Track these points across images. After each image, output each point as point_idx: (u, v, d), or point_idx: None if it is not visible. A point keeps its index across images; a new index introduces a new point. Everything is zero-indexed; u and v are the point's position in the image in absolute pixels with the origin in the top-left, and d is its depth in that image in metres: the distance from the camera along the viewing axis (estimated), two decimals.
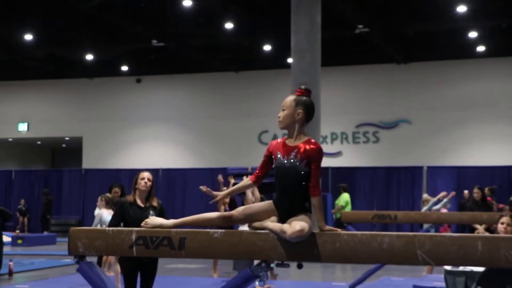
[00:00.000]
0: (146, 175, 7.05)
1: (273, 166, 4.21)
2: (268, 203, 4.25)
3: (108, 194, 11.04)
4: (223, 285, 4.34)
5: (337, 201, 18.92)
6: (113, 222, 6.82)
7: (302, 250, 3.85)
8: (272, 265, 4.00)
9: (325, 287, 10.91)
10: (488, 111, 23.31)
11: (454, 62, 23.66)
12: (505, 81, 23.35)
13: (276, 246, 3.88)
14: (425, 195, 13.37)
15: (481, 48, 22.50)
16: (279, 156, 4.14)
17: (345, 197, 18.58)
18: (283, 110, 4.26)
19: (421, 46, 22.35)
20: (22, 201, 24.67)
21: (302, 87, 4.39)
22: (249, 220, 4.22)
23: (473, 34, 20.81)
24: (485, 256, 3.54)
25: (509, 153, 22.67)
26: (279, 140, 4.25)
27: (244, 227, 4.45)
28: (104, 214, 10.31)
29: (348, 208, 18.34)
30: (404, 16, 19.01)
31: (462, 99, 23.60)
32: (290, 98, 4.30)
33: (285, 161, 4.12)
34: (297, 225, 3.84)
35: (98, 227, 9.88)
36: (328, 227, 3.90)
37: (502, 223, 7.05)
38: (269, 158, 4.25)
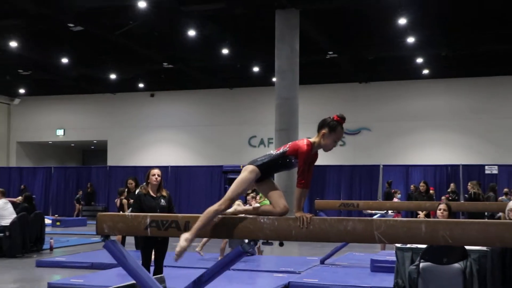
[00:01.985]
0: (156, 171, 7.08)
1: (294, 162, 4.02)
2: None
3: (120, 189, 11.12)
4: (221, 259, 4.34)
5: None
6: (133, 210, 6.85)
7: (283, 231, 3.87)
8: (259, 243, 4.00)
9: (301, 260, 10.91)
10: (431, 122, 23.42)
11: (405, 82, 23.75)
12: (444, 98, 23.46)
13: (263, 228, 3.89)
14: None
15: (425, 71, 22.57)
16: None
17: None
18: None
19: (379, 69, 22.40)
20: (80, 192, 24.65)
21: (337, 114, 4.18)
22: None
23: (419, 60, 20.90)
24: (427, 236, 3.57)
25: (447, 155, 22.77)
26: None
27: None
28: None
29: None
30: (365, 45, 19.07)
31: (410, 112, 23.70)
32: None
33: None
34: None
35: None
36: (299, 213, 3.85)
37: (440, 210, 7.10)
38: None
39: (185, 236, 4.00)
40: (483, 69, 21.98)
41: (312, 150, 4.02)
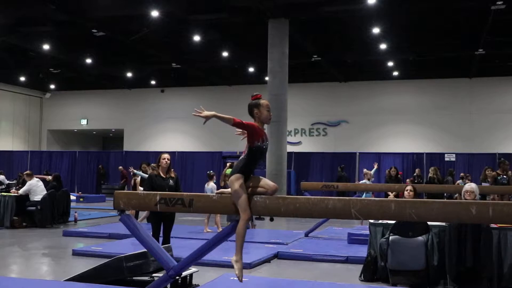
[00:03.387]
0: (166, 156, 7.06)
1: (261, 146, 3.99)
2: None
3: (153, 164, 11.11)
4: (219, 232, 4.33)
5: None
6: (146, 189, 6.82)
7: (273, 208, 3.85)
8: (252, 218, 4.00)
9: (289, 233, 10.93)
10: (400, 116, 23.44)
11: (378, 82, 23.74)
12: (411, 96, 23.49)
13: (255, 205, 3.88)
14: (365, 170, 13.34)
15: (395, 73, 22.57)
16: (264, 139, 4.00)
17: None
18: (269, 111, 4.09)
19: (356, 71, 22.35)
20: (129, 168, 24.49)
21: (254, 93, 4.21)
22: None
23: (390, 64, 20.89)
24: (396, 213, 3.56)
25: (414, 145, 22.83)
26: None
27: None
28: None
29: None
30: (344, 50, 19.03)
31: (383, 108, 23.70)
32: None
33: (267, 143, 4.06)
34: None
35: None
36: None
37: (407, 190, 7.11)
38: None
39: (234, 259, 3.87)
40: (444, 71, 21.98)
41: (257, 126, 4.03)
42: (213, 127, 25.97)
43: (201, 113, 3.95)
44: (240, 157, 4.08)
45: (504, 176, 10.19)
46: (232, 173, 3.97)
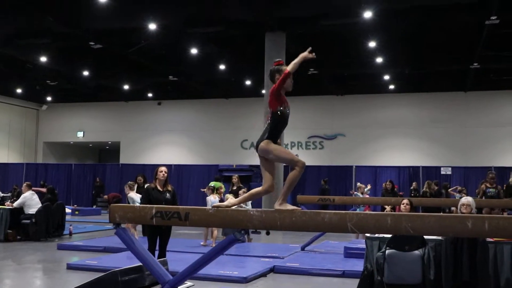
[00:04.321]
0: (163, 169, 7.05)
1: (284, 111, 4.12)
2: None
3: (130, 182, 11.14)
4: (215, 245, 4.32)
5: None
6: (143, 202, 6.81)
7: (270, 222, 3.85)
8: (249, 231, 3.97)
9: (285, 247, 10.89)
10: (396, 129, 23.49)
11: (374, 95, 23.80)
12: (407, 109, 23.56)
13: (252, 219, 3.88)
14: (358, 184, 13.37)
15: (391, 87, 22.65)
16: None
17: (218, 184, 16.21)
18: None
19: (353, 84, 22.43)
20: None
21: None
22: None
23: (386, 77, 20.96)
24: (392, 227, 3.57)
25: (410, 158, 22.84)
26: None
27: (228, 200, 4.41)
28: (132, 195, 10.46)
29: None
30: (341, 63, 19.10)
31: (379, 121, 23.76)
32: None
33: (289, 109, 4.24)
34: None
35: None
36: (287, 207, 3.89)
37: (403, 204, 7.10)
38: None
39: (278, 202, 3.93)
40: (440, 85, 22.08)
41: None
42: (210, 140, 26.12)
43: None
44: (265, 127, 4.12)
45: (492, 189, 10.27)
46: (259, 141, 4.05)
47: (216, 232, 10.96)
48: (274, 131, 4.02)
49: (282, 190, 3.98)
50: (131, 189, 10.64)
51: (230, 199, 10.25)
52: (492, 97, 22.47)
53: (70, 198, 24.78)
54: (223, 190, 12.72)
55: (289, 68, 3.99)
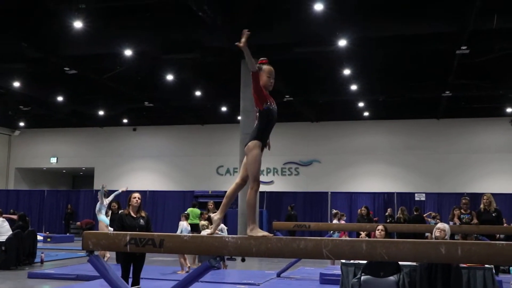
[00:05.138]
0: (137, 195, 7.01)
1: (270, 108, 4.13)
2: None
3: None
4: (190, 272, 4.28)
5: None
6: (116, 229, 6.73)
7: (245, 249, 3.83)
8: (224, 258, 3.95)
9: (260, 274, 10.81)
10: (371, 156, 23.70)
11: (349, 122, 24.03)
12: (381, 136, 23.81)
13: (227, 246, 3.85)
14: (334, 210, 13.42)
15: (366, 114, 22.92)
16: None
17: (195, 211, 16.18)
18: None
19: (327, 111, 22.62)
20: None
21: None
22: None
23: (361, 104, 21.22)
24: (367, 253, 3.58)
25: (385, 184, 23.02)
26: None
27: (205, 232, 4.41)
28: (102, 217, 10.74)
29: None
30: (316, 90, 19.31)
31: (354, 147, 23.96)
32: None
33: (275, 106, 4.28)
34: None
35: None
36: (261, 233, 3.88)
37: (378, 230, 7.14)
38: None
39: (249, 228, 3.89)
40: (413, 112, 22.44)
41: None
42: (185, 166, 25.98)
43: (240, 42, 3.92)
44: (255, 126, 4.10)
45: (465, 215, 10.40)
46: (248, 141, 4.00)
47: (184, 258, 10.85)
48: (264, 130, 4.04)
49: (247, 217, 3.95)
50: (101, 212, 10.90)
51: (213, 228, 10.32)
52: (464, 124, 22.91)
53: (42, 225, 24.32)
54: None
55: (250, 65, 4.02)
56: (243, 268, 11.88)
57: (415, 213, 16.28)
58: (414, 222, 14.91)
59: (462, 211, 10.52)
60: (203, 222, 11.04)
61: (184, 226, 11.33)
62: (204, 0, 11.67)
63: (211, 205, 13.38)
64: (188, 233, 10.89)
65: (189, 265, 10.67)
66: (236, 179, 4.10)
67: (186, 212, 12.02)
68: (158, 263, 12.59)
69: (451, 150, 23.01)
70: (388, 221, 16.52)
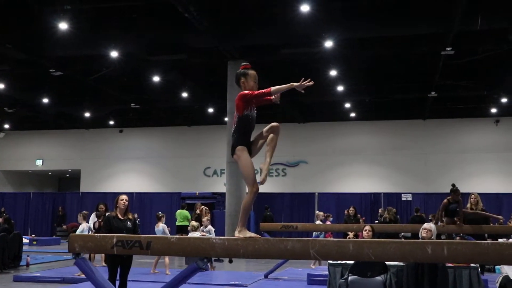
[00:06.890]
0: (124, 197, 6.97)
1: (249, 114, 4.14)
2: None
3: (84, 212, 11.34)
4: (177, 274, 4.27)
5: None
6: (103, 231, 6.69)
7: (232, 250, 3.83)
8: (212, 260, 3.94)
9: (248, 275, 10.81)
10: (358, 156, 23.78)
11: (336, 123, 24.10)
12: (368, 137, 23.90)
13: (214, 247, 3.85)
14: (317, 212, 13.47)
15: (352, 114, 23.00)
16: None
17: (184, 212, 15.67)
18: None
19: (314, 112, 22.69)
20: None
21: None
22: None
23: (347, 105, 21.29)
24: (354, 253, 3.59)
25: (371, 185, 23.13)
26: None
27: (194, 234, 4.38)
28: (84, 226, 10.77)
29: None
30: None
31: (341, 148, 24.03)
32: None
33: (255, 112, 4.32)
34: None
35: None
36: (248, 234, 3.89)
37: (365, 230, 7.17)
38: None
39: (237, 230, 3.90)
40: (399, 113, 22.58)
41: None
42: (172, 168, 25.89)
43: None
44: (232, 132, 4.14)
45: (454, 204, 9.81)
46: (232, 148, 4.07)
47: (168, 259, 10.91)
48: (243, 135, 4.07)
49: (239, 218, 3.97)
50: (84, 219, 10.99)
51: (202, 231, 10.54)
52: (450, 124, 23.09)
53: (28, 227, 24.11)
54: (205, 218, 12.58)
55: (273, 88, 4.06)
56: (231, 270, 11.87)
57: (415, 213, 16.41)
58: (414, 222, 14.98)
59: (450, 199, 9.81)
60: (193, 223, 11.02)
61: (159, 228, 11.39)
62: (190, 2, 11.64)
63: (202, 209, 13.40)
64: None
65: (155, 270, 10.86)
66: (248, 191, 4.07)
67: (159, 212, 12.02)
68: (145, 265, 12.54)
69: (437, 150, 23.18)
70: (376, 221, 16.61)
